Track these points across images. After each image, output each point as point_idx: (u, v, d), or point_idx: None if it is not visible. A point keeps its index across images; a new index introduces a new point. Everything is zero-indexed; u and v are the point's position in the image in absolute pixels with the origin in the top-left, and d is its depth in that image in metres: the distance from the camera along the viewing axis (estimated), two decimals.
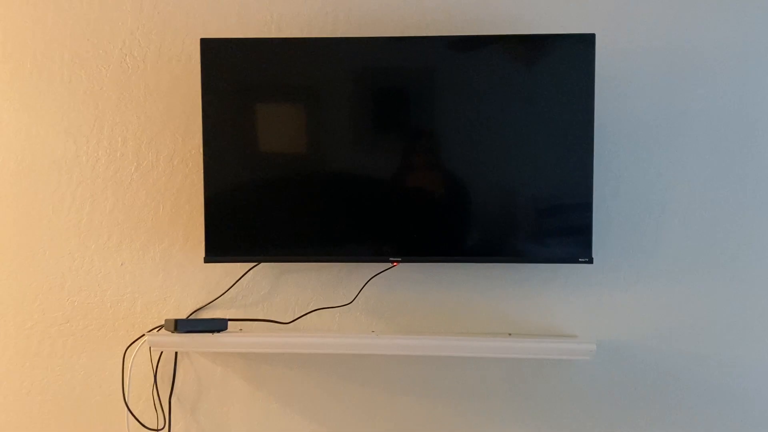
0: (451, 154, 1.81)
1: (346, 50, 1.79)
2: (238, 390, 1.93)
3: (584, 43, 1.74)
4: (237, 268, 1.89)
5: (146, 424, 1.91)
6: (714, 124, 1.83)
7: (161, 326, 1.86)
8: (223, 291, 1.91)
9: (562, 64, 1.76)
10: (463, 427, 1.90)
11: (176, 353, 1.92)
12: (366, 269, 1.85)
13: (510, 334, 1.85)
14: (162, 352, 1.91)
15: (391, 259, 1.80)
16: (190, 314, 1.92)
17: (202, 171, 1.80)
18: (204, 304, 1.92)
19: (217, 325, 1.80)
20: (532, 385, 1.87)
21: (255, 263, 1.89)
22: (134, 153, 1.93)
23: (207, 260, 1.82)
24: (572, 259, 1.78)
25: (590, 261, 1.76)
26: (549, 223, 1.80)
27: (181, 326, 1.78)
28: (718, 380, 1.83)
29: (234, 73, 1.81)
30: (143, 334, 1.85)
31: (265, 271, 1.90)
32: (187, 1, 1.91)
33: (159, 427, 1.91)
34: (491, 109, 1.78)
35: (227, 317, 1.86)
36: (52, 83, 1.94)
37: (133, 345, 1.89)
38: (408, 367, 1.89)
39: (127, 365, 1.88)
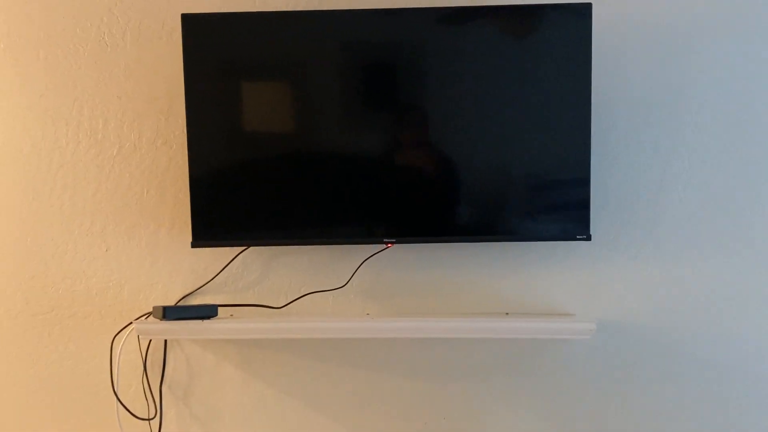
0: (443, 131, 1.78)
1: (333, 23, 1.75)
2: (231, 377, 1.90)
3: (580, 14, 1.71)
4: (226, 252, 1.86)
5: (137, 414, 1.88)
6: (713, 97, 1.81)
7: (149, 314, 1.83)
8: (213, 276, 1.88)
9: (557, 35, 1.73)
10: (461, 409, 1.88)
11: (166, 340, 1.88)
12: (359, 251, 1.82)
13: (507, 314, 1.83)
14: (151, 340, 1.87)
15: (385, 240, 1.76)
16: (179, 300, 1.89)
17: (187, 152, 1.75)
18: (193, 290, 1.88)
19: (207, 312, 1.77)
20: (530, 364, 1.86)
21: (244, 247, 1.85)
22: (116, 135, 1.88)
23: (194, 245, 1.78)
24: (570, 237, 1.76)
25: (588, 238, 1.75)
26: (546, 200, 1.78)
27: (170, 313, 1.74)
28: (718, 356, 1.83)
29: (218, 50, 1.76)
30: (131, 322, 1.82)
31: (256, 254, 1.87)
32: None
33: (150, 416, 1.88)
34: (484, 84, 1.75)
35: (217, 303, 1.83)
36: (28, 64, 1.88)
37: (120, 333, 1.86)
38: (404, 350, 1.88)
39: (116, 354, 1.85)
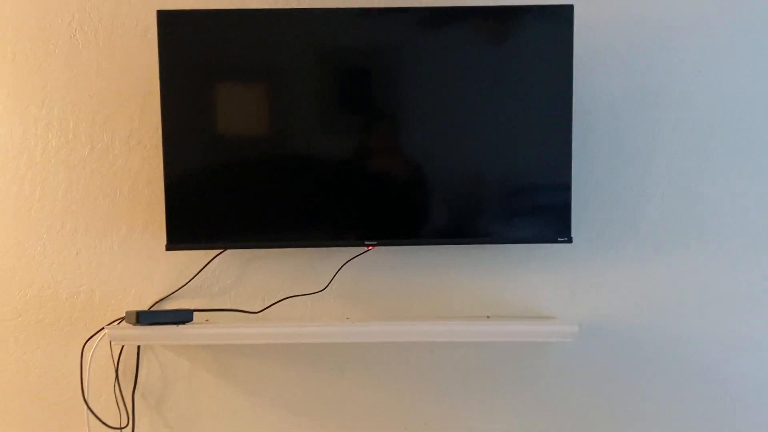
0: (421, 134, 1.77)
1: (310, 22, 1.73)
2: (206, 383, 1.86)
3: (562, 16, 1.71)
4: (202, 255, 1.82)
5: (108, 423, 1.82)
6: (693, 99, 1.82)
7: (122, 319, 1.79)
8: (188, 280, 1.84)
9: (538, 37, 1.73)
10: (442, 414, 1.86)
11: (139, 346, 1.83)
12: (339, 254, 1.79)
13: (488, 317, 1.82)
14: (123, 346, 1.82)
15: (366, 242, 1.73)
16: (153, 305, 1.84)
17: (162, 153, 1.71)
18: (167, 294, 1.84)
19: (182, 317, 1.73)
20: (512, 367, 1.86)
21: (221, 250, 1.81)
22: (88, 135, 1.83)
23: (169, 248, 1.74)
24: (551, 239, 1.76)
25: (569, 240, 1.75)
26: (527, 202, 1.78)
27: (144, 318, 1.70)
28: (701, 357, 1.84)
29: (194, 48, 1.73)
30: (103, 328, 1.78)
31: (232, 257, 1.83)
32: None
33: (122, 425, 1.83)
34: (464, 86, 1.74)
35: (192, 308, 1.79)
36: None
37: (92, 339, 1.81)
38: (384, 355, 1.86)
39: (86, 361, 1.80)
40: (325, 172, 1.75)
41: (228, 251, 1.82)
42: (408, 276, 1.84)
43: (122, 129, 1.83)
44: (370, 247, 1.75)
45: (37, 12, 1.82)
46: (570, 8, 1.70)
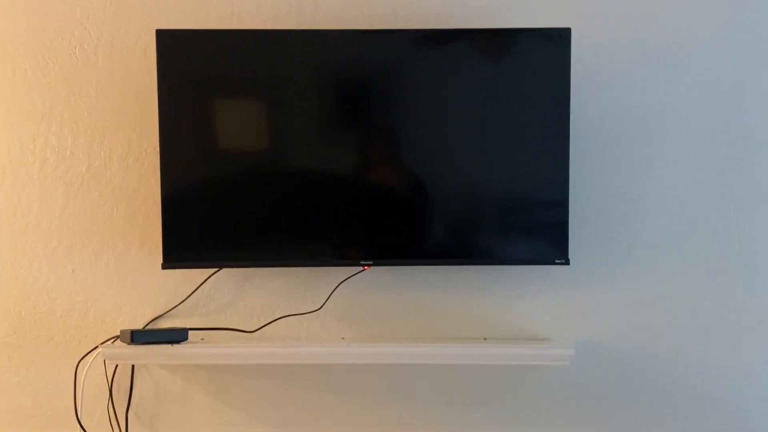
0: (419, 153, 1.77)
1: (309, 43, 1.74)
2: (200, 403, 1.85)
3: (559, 38, 1.72)
4: (197, 273, 1.82)
5: None
6: (689, 121, 1.82)
7: (116, 337, 1.78)
8: (183, 298, 1.83)
9: (536, 58, 1.74)
10: None
11: (133, 365, 1.82)
12: (335, 273, 1.79)
13: (485, 339, 1.81)
14: (117, 365, 1.81)
15: (362, 262, 1.73)
16: (148, 323, 1.83)
17: (159, 170, 1.71)
18: (162, 313, 1.83)
19: (177, 336, 1.72)
20: (508, 390, 1.84)
21: (216, 269, 1.80)
22: (85, 152, 1.83)
23: (165, 266, 1.74)
24: (548, 261, 1.75)
25: (566, 262, 1.74)
26: (524, 221, 1.78)
27: (138, 337, 1.69)
28: (699, 383, 1.83)
29: (192, 67, 1.74)
30: (97, 346, 1.77)
31: (228, 276, 1.83)
32: None
33: None
34: (462, 106, 1.75)
35: (188, 326, 1.78)
36: None
37: (86, 357, 1.80)
38: (380, 376, 1.84)
39: (80, 379, 1.79)
40: (321, 190, 1.75)
41: (224, 270, 1.81)
42: (404, 296, 1.84)
43: (120, 146, 1.83)
44: (366, 267, 1.75)
45: (38, 29, 1.82)
46: (567, 30, 1.71)
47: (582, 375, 1.83)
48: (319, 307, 1.80)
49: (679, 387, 1.82)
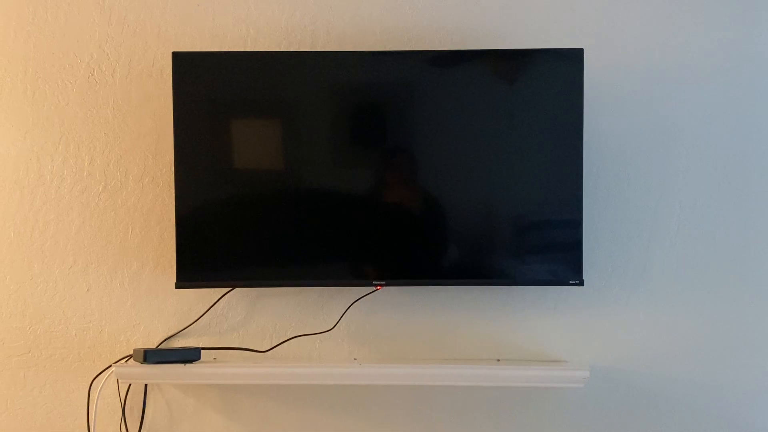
0: (433, 172, 1.77)
1: (323, 65, 1.75)
2: (212, 423, 1.84)
3: (572, 59, 1.72)
4: (211, 292, 1.82)
5: None
6: (704, 140, 1.81)
7: (129, 356, 1.78)
8: (196, 318, 1.83)
9: (549, 79, 1.74)
10: None
11: (146, 384, 1.82)
12: (347, 293, 1.78)
13: (498, 360, 1.79)
14: (130, 384, 1.81)
15: (375, 282, 1.73)
16: (161, 342, 1.84)
17: (174, 191, 1.73)
18: (175, 332, 1.84)
19: (190, 355, 1.72)
20: (522, 412, 1.82)
21: (229, 288, 1.80)
22: (102, 172, 1.85)
23: (179, 286, 1.75)
24: (562, 282, 1.73)
25: (581, 283, 1.72)
26: (538, 245, 1.77)
27: (151, 357, 1.69)
28: (715, 407, 1.80)
29: (207, 89, 1.75)
30: (110, 365, 1.76)
31: (241, 295, 1.83)
32: (158, 12, 1.84)
33: None
34: (475, 125, 1.75)
35: (200, 346, 1.79)
36: (15, 98, 1.86)
37: (99, 376, 1.80)
38: (392, 397, 1.83)
39: (93, 398, 1.79)
40: (336, 210, 1.75)
41: (236, 289, 1.81)
42: (417, 316, 1.83)
43: (135, 167, 1.85)
44: (378, 287, 1.74)
45: (57, 51, 1.85)
46: (580, 51, 1.71)
47: (596, 398, 1.80)
48: (332, 327, 1.80)
49: (695, 410, 1.79)
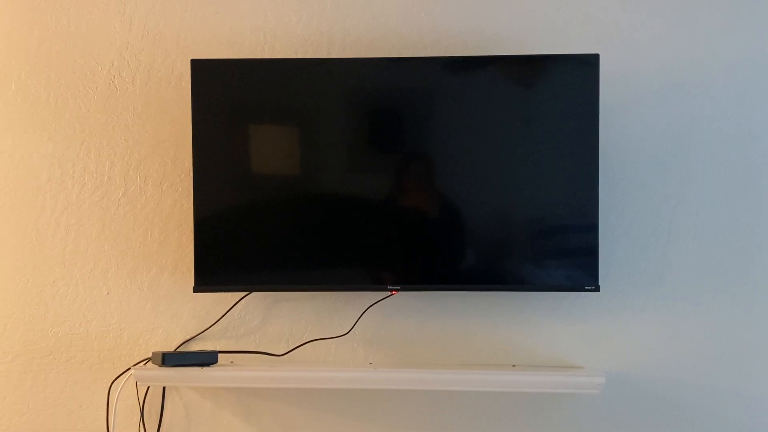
0: (449, 178, 1.77)
1: (341, 71, 1.76)
2: (229, 426, 1.86)
3: (588, 64, 1.71)
4: (228, 296, 1.84)
5: None
6: (722, 146, 1.79)
7: (148, 359, 1.80)
8: (214, 321, 1.85)
9: (564, 84, 1.74)
10: None
11: (164, 387, 1.84)
12: (363, 298, 1.79)
13: (514, 366, 1.78)
14: (149, 387, 1.83)
15: (390, 287, 1.73)
16: (179, 345, 1.85)
17: (192, 196, 1.75)
18: (193, 335, 1.85)
19: (207, 359, 1.74)
20: (537, 418, 1.81)
21: (246, 292, 1.82)
22: (122, 177, 1.87)
23: (197, 290, 1.76)
24: (578, 287, 1.73)
25: (597, 289, 1.72)
26: (554, 250, 1.76)
27: (169, 360, 1.71)
28: (729, 412, 1.78)
29: (225, 95, 1.77)
30: (129, 368, 1.78)
31: (258, 299, 1.84)
32: (177, 20, 1.87)
33: None
34: (491, 131, 1.75)
35: (217, 349, 1.80)
36: (37, 105, 1.89)
37: (118, 379, 1.82)
38: (407, 402, 1.83)
39: (113, 400, 1.81)
40: (352, 215, 1.76)
41: (253, 293, 1.83)
42: (433, 322, 1.83)
43: (155, 172, 1.87)
44: (393, 292, 1.75)
45: (79, 59, 1.88)
46: (596, 57, 1.70)
47: (612, 404, 1.79)
48: (347, 331, 1.81)
49: (711, 417, 1.78)
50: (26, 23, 1.89)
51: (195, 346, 1.85)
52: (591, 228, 1.71)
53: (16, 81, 1.89)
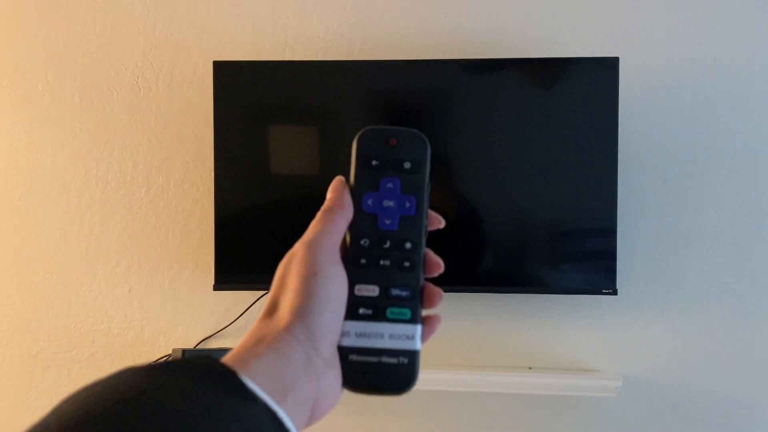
0: (468, 180, 1.77)
1: (361, 73, 1.77)
2: None
3: (608, 67, 1.71)
4: (247, 294, 1.85)
5: None
6: (742, 151, 1.78)
7: (168, 356, 1.82)
8: (233, 319, 1.87)
9: (584, 87, 1.73)
10: None
11: None
12: None
13: (530, 368, 1.78)
14: None
15: None
16: (199, 343, 1.88)
17: (213, 196, 1.77)
18: (213, 333, 1.87)
19: (225, 356, 1.75)
20: (553, 421, 1.81)
21: (265, 291, 1.83)
22: (144, 177, 1.90)
23: (216, 288, 1.78)
24: (596, 291, 1.72)
25: (614, 292, 1.71)
26: (571, 253, 1.76)
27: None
28: (746, 417, 1.76)
29: (247, 96, 1.78)
30: None
31: None
32: (200, 22, 1.89)
33: None
34: (510, 133, 1.75)
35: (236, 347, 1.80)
36: (63, 105, 1.92)
37: None
38: (422, 403, 1.83)
39: None
40: None
41: None
42: (449, 323, 1.82)
43: (177, 172, 1.90)
44: None
45: (104, 60, 1.91)
46: (615, 60, 1.70)
47: (628, 408, 1.78)
48: None
49: (728, 422, 1.76)
50: (53, 26, 1.93)
51: (214, 344, 1.87)
52: (610, 232, 1.71)
53: (43, 81, 1.93)
